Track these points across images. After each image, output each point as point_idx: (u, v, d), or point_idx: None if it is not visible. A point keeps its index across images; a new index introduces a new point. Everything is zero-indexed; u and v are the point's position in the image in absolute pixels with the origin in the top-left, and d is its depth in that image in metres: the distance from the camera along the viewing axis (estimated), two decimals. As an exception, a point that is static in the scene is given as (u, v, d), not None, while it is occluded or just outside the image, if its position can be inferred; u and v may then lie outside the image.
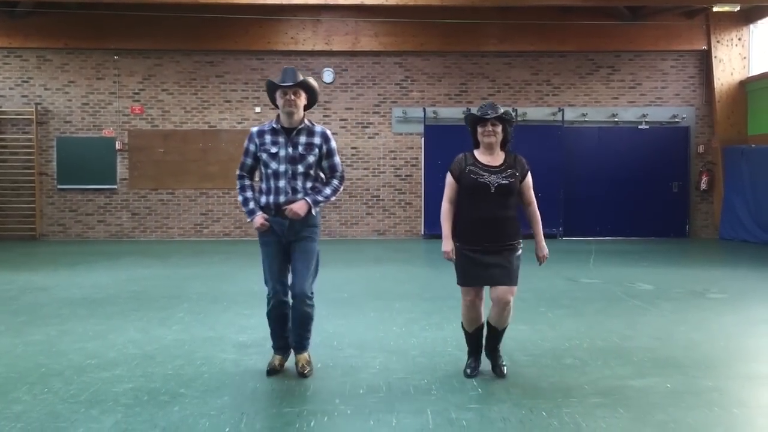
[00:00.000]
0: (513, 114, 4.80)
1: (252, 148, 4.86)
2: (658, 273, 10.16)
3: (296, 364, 4.92)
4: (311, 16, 15.42)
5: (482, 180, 4.63)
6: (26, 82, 15.69)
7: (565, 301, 7.80)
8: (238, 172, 4.95)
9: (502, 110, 4.69)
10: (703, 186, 16.02)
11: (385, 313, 7.16)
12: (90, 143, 15.71)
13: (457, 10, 14.69)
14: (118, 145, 15.71)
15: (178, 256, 12.42)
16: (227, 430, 3.90)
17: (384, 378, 4.85)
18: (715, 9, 13.71)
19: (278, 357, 5.01)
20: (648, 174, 15.85)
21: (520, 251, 4.71)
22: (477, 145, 4.80)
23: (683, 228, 16.11)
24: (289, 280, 4.90)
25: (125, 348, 5.69)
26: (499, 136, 4.71)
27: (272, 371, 4.92)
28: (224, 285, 8.96)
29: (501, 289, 4.65)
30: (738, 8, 13.57)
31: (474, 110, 4.79)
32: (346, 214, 15.98)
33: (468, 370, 4.87)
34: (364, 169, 15.96)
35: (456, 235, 4.71)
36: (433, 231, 15.62)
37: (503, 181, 4.64)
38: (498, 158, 4.73)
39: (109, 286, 8.93)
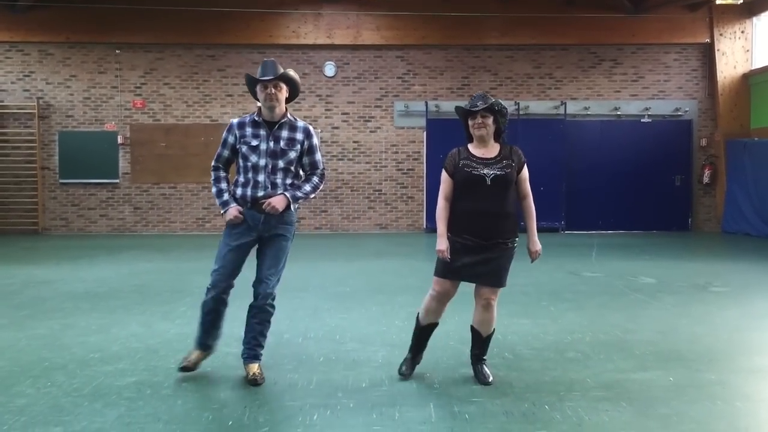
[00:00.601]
0: (502, 103, 4.61)
1: (231, 139, 4.69)
2: (661, 266, 10.15)
3: (246, 374, 4.62)
4: (313, 9, 15.40)
5: (477, 172, 4.46)
6: (28, 76, 15.69)
7: (568, 295, 7.80)
8: (213, 163, 4.80)
9: (492, 101, 4.51)
10: (706, 179, 16.00)
11: (387, 306, 7.16)
12: (92, 137, 15.72)
13: (459, 4, 14.67)
14: (120, 140, 15.71)
15: (180, 250, 12.43)
16: (230, 423, 3.90)
17: (386, 372, 4.85)
18: (718, 2, 13.67)
19: (197, 352, 4.79)
20: (650, 167, 15.84)
21: (513, 251, 4.55)
22: (471, 139, 4.64)
23: (686, 221, 16.10)
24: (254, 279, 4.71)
25: (128, 342, 5.70)
26: (491, 128, 4.53)
27: (187, 368, 4.69)
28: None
29: (485, 289, 4.55)
30: (741, 1, 13.52)
31: (464, 103, 4.64)
32: (348, 208, 15.98)
33: (404, 368, 4.74)
34: (366, 163, 15.95)
35: (448, 227, 4.58)
36: (434, 225, 15.58)
37: (499, 172, 4.46)
38: (492, 150, 4.56)
39: (111, 280, 8.94)
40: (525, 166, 4.61)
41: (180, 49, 15.75)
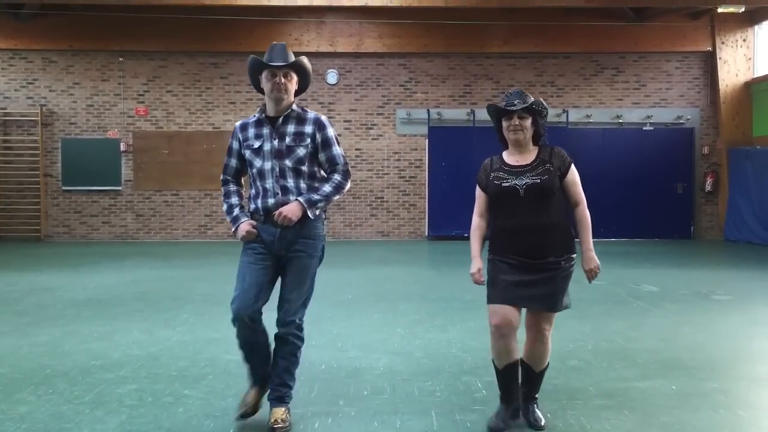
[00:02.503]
0: (543, 103, 3.99)
1: (235, 145, 4.05)
2: (663, 274, 10.14)
3: (268, 419, 3.90)
4: (316, 17, 15.43)
5: (507, 184, 3.85)
6: (31, 83, 15.74)
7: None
8: (222, 176, 4.17)
9: (531, 100, 3.89)
10: (708, 187, 15.99)
11: (389, 314, 7.15)
12: (95, 145, 15.75)
13: (461, 12, 14.69)
14: (122, 147, 15.73)
15: (182, 258, 12.43)
16: (231, 431, 3.90)
17: (388, 380, 4.84)
18: (719, 10, 13.68)
19: (252, 390, 4.05)
20: (652, 175, 15.82)
21: (568, 270, 3.87)
22: (505, 143, 4.03)
23: (688, 229, 16.07)
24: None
25: (130, 349, 5.70)
26: (529, 131, 3.91)
27: (246, 414, 3.97)
28: (228, 286, 8.88)
29: (538, 316, 3.91)
30: (743, 9, 13.54)
31: (499, 102, 3.99)
32: (350, 216, 15.98)
33: (493, 423, 3.89)
34: (368, 170, 15.95)
35: (490, 247, 3.98)
36: (437, 233, 15.62)
37: (533, 180, 3.82)
38: (529, 156, 3.94)
39: (113, 288, 8.95)
40: (572, 167, 3.96)
41: (183, 57, 15.79)
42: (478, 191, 4.05)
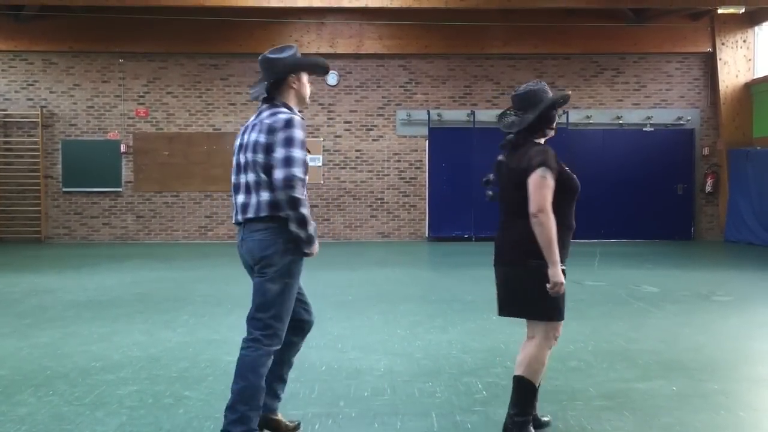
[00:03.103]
0: None
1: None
2: (663, 275, 10.13)
3: (283, 420, 3.87)
4: (316, 18, 15.44)
5: (577, 180, 3.62)
6: (32, 85, 15.75)
7: (570, 304, 7.68)
8: (302, 176, 3.42)
9: None
10: (708, 188, 16.00)
11: (390, 315, 7.15)
12: (95, 146, 15.75)
13: (461, 13, 14.69)
14: (123, 148, 15.74)
15: (182, 259, 12.43)
16: (232, 432, 3.89)
17: (388, 381, 4.84)
18: (719, 11, 13.70)
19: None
20: (653, 176, 15.81)
21: None
22: (525, 138, 3.73)
23: (688, 230, 16.06)
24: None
25: (130, 350, 5.70)
26: None
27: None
28: (228, 287, 8.97)
29: None
30: (743, 10, 13.55)
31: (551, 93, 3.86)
32: (351, 217, 15.98)
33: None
34: (369, 171, 15.96)
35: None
36: (437, 234, 15.62)
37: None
38: None
39: (113, 289, 8.95)
40: None
41: (183, 58, 15.80)
42: (549, 180, 3.43)
